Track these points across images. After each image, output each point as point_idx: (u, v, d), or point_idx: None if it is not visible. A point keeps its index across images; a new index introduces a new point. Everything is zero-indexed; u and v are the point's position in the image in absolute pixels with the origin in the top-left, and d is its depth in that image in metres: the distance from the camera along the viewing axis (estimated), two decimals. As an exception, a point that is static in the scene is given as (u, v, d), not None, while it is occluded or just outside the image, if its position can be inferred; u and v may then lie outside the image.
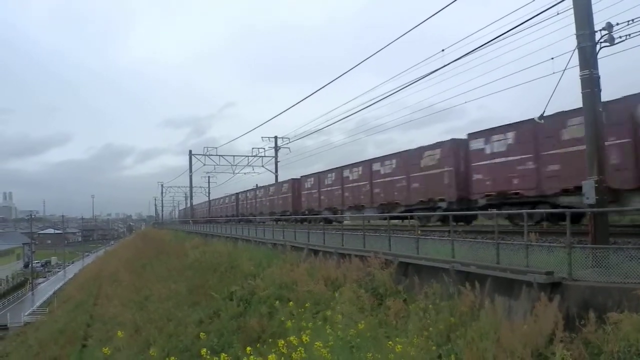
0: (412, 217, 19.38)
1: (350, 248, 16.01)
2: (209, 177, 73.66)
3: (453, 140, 22.36)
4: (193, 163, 56.75)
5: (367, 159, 30.25)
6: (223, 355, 7.33)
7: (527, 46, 15.30)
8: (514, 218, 18.00)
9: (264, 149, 49.52)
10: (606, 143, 11.77)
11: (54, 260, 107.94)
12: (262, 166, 50.93)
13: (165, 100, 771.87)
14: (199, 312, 17.94)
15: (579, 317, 7.50)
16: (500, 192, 18.99)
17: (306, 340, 7.72)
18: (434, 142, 23.54)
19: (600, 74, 10.28)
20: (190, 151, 57.28)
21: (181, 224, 73.55)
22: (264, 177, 54.17)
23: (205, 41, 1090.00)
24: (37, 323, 42.16)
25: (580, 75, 10.29)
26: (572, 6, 10.46)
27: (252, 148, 51.41)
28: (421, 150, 24.09)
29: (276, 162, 48.57)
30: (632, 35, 9.96)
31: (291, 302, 12.64)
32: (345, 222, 30.45)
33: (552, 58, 12.53)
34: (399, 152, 26.55)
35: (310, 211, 36.29)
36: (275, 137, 48.34)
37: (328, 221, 27.77)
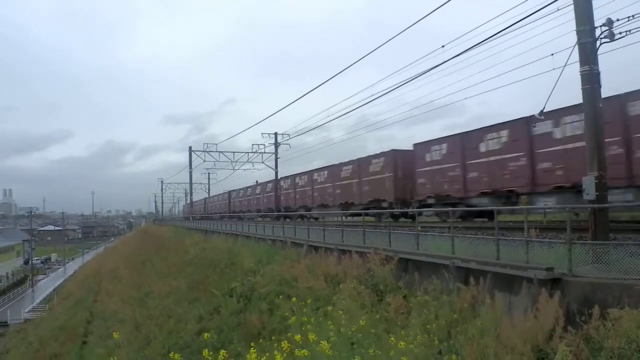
0: (366, 214, 22.65)
1: (351, 244, 16.02)
2: (208, 173, 73.76)
3: (393, 150, 26.44)
4: (193, 159, 56.76)
5: (332, 163, 34.20)
6: (222, 352, 7.33)
7: (527, 42, 15.30)
8: (441, 215, 21.01)
9: (264, 145, 49.54)
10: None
11: (54, 257, 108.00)
12: (262, 162, 50.94)
13: (166, 97, 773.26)
14: (199, 309, 17.97)
15: (579, 313, 7.50)
16: (437, 194, 22.14)
17: (312, 338, 7.72)
18: (379, 152, 27.70)
19: (600, 70, 10.27)
20: (190, 147, 57.28)
21: (183, 220, 73.88)
22: (264, 174, 54.14)
23: (206, 38, 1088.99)
24: (37, 320, 42.23)
25: (580, 71, 10.27)
26: (572, 2, 10.44)
27: (252, 144, 51.28)
28: (370, 158, 28.17)
29: (276, 159, 48.53)
30: (632, 31, 9.94)
31: (294, 298, 12.65)
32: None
33: (553, 54, 12.52)
34: (355, 160, 30.46)
35: (287, 209, 39.97)
36: (275, 134, 48.31)
37: (302, 217, 32.11)
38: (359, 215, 23.72)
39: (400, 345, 7.57)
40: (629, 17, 9.87)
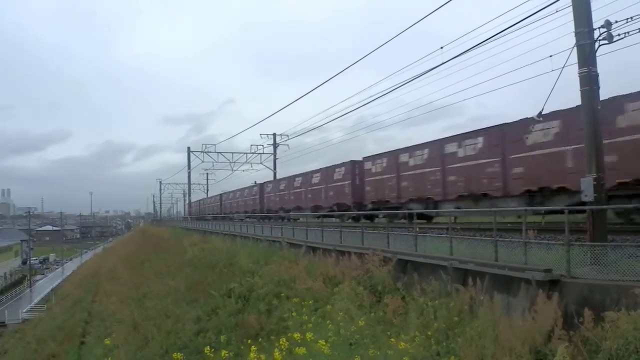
0: (332, 216, 27.19)
1: (349, 245, 16.02)
2: (207, 174, 73.77)
3: (351, 161, 30.17)
4: (192, 160, 56.79)
5: (307, 170, 37.94)
6: (224, 352, 7.33)
7: (525, 44, 15.35)
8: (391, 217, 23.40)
9: (262, 146, 49.60)
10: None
11: (52, 257, 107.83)
12: (261, 163, 51.04)
13: (166, 97, 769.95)
14: (198, 309, 17.93)
15: (577, 315, 7.51)
16: (379, 200, 26.05)
17: (310, 337, 7.72)
18: (341, 162, 31.74)
19: (599, 71, 10.28)
20: (188, 148, 57.40)
21: (182, 221, 74.24)
22: (263, 174, 54.33)
23: (206, 38, 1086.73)
24: (35, 320, 42.08)
25: (578, 73, 10.28)
26: (570, 4, 10.46)
27: (251, 145, 51.37)
28: (334, 167, 32.19)
29: (274, 159, 48.66)
30: (630, 33, 9.96)
31: (294, 299, 12.64)
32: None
33: (551, 55, 12.54)
34: (323, 168, 34.27)
35: (269, 210, 43.28)
36: (274, 134, 48.41)
37: (282, 218, 34.98)
38: (324, 216, 27.25)
39: (402, 346, 7.57)
40: (627, 19, 9.90)
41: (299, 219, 32.71)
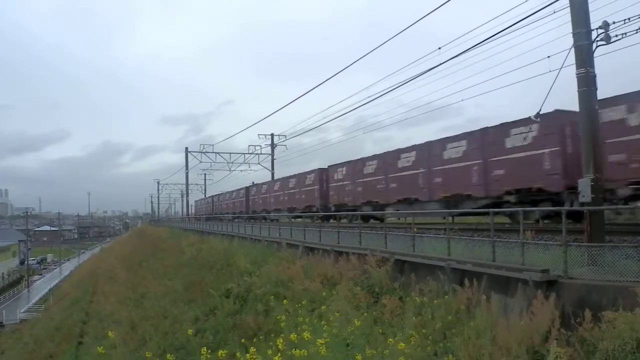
0: (305, 216, 28.82)
1: (347, 246, 16.01)
2: (205, 174, 73.74)
3: (320, 169, 34.27)
4: (190, 160, 56.75)
5: (284, 176, 42.16)
6: (220, 352, 7.31)
7: (523, 44, 15.36)
8: (350, 218, 26.42)
9: (260, 146, 49.59)
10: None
11: (49, 257, 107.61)
12: (259, 163, 51.02)
13: (164, 97, 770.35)
14: (195, 310, 17.91)
15: (574, 315, 7.51)
16: (340, 203, 30.21)
17: (307, 336, 7.70)
18: (310, 169, 35.88)
19: (596, 72, 10.28)
20: (186, 148, 57.33)
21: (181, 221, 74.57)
22: (261, 175, 54.43)
23: (206, 38, 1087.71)
24: (33, 320, 42.01)
25: (576, 74, 10.28)
26: (568, 5, 10.47)
27: (249, 145, 51.40)
28: (305, 174, 36.33)
29: (272, 160, 48.63)
30: (628, 34, 9.98)
31: (294, 300, 12.61)
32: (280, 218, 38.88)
33: (549, 56, 12.58)
34: (297, 174, 38.19)
35: (254, 212, 46.48)
36: (272, 135, 48.38)
37: (264, 218, 38.85)
38: (299, 217, 30.46)
39: (401, 346, 7.55)
40: (625, 19, 9.91)
41: (278, 219, 35.67)
